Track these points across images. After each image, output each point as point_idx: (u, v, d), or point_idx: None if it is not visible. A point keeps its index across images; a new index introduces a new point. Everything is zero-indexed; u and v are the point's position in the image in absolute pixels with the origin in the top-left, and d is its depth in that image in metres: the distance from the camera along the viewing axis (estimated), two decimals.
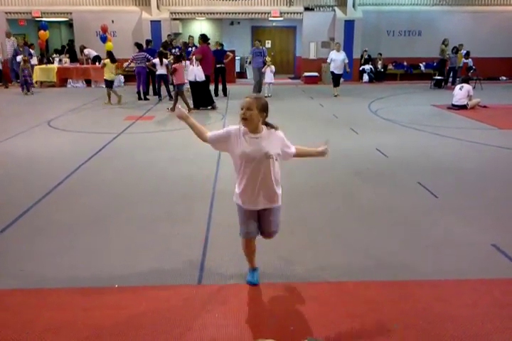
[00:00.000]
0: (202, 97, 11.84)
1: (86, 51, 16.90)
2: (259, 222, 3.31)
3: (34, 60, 16.50)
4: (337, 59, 13.99)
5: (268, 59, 14.04)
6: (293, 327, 2.90)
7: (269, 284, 3.42)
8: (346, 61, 14.19)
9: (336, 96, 14.14)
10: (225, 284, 3.42)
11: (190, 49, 14.75)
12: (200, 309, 3.10)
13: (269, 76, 14.12)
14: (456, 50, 16.30)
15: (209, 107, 11.94)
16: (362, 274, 3.57)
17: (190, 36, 16.02)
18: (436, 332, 2.84)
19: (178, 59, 11.42)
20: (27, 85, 14.49)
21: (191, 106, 11.50)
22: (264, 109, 3.07)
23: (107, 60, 12.64)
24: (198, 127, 3.27)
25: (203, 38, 12.14)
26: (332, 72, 14.31)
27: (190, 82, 11.77)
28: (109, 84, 12.63)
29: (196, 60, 11.65)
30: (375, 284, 3.43)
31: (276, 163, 3.18)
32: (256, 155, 3.06)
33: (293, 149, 3.28)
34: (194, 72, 11.61)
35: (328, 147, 3.33)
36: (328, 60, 14.23)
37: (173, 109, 11.08)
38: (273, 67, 14.21)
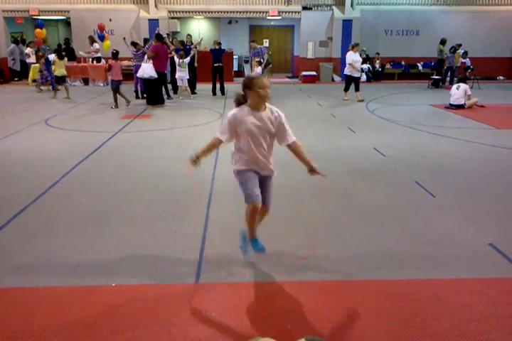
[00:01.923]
0: (154, 94, 12.16)
1: (96, 45, 16.65)
2: (261, 188, 3.47)
3: (32, 59, 16.45)
4: (358, 60, 12.78)
5: (266, 56, 13.61)
6: (290, 325, 2.90)
7: (266, 282, 3.42)
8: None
9: (361, 101, 12.75)
10: (223, 283, 3.42)
11: (188, 47, 14.75)
12: (197, 307, 3.09)
13: None
14: (454, 50, 16.32)
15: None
16: (359, 273, 3.57)
17: (188, 35, 16.00)
18: (433, 331, 2.85)
19: (115, 56, 11.94)
20: (52, 83, 14.79)
21: (131, 99, 11.96)
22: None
23: (55, 57, 13.47)
24: (209, 148, 3.48)
25: (158, 37, 12.41)
26: (351, 76, 12.85)
27: (144, 79, 12.18)
28: (61, 79, 13.38)
29: (148, 57, 12.04)
30: (372, 283, 3.43)
31: (274, 139, 3.45)
32: (262, 131, 3.32)
33: (290, 138, 3.42)
34: (143, 69, 12.00)
35: (318, 171, 3.44)
36: (350, 61, 12.59)
37: (116, 106, 11.68)
38: (259, 68, 13.31)
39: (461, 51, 16.93)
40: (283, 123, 3.39)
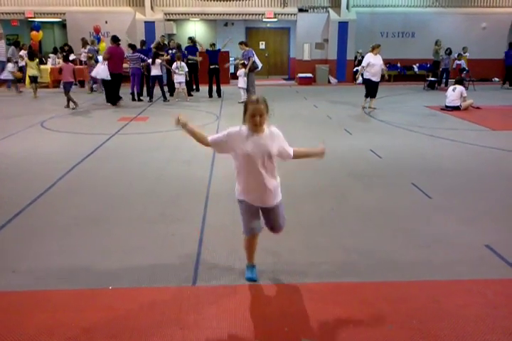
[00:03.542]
0: (111, 94, 12.53)
1: (90, 47, 16.61)
2: (267, 217, 3.39)
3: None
4: (376, 63, 11.35)
5: (251, 59, 12.63)
6: (287, 328, 2.90)
7: (263, 285, 3.42)
8: (383, 66, 11.69)
9: (372, 109, 11.68)
10: (220, 285, 3.42)
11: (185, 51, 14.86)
12: (195, 310, 3.09)
13: (240, 80, 13.21)
14: (449, 52, 16.38)
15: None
16: (356, 275, 3.58)
17: (189, 38, 16.00)
18: (430, 332, 2.85)
19: (66, 58, 12.44)
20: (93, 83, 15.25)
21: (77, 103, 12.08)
22: (268, 109, 3.14)
23: (26, 58, 14.31)
24: (198, 133, 3.31)
25: (113, 39, 12.63)
26: (369, 80, 11.56)
27: (102, 79, 12.68)
28: (33, 79, 13.94)
29: (103, 59, 12.46)
30: (369, 285, 3.44)
31: (275, 163, 3.27)
32: (260, 154, 3.13)
33: (291, 151, 3.32)
34: (98, 70, 12.53)
35: (324, 147, 3.38)
36: (364, 64, 11.43)
37: (67, 106, 11.91)
38: (242, 70, 12.96)
39: (467, 54, 16.98)
40: (282, 144, 3.23)
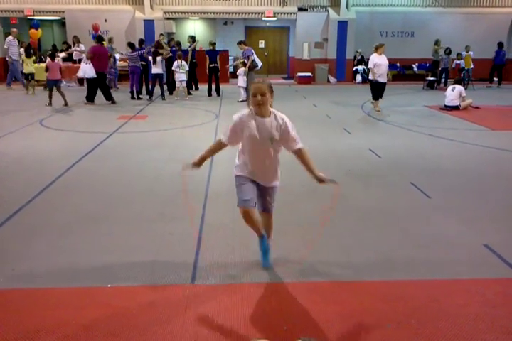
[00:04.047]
0: (93, 93, 12.59)
1: (82, 46, 16.59)
2: (261, 196, 3.43)
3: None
4: (382, 64, 10.98)
5: (251, 58, 12.64)
6: (286, 326, 2.90)
7: (261, 284, 3.42)
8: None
9: (377, 111, 11.33)
10: (218, 284, 3.42)
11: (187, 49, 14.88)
12: (193, 308, 3.09)
13: (239, 79, 13.25)
14: (449, 51, 16.39)
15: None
16: (355, 274, 3.58)
17: (189, 36, 16.00)
18: (429, 332, 2.86)
19: (52, 57, 12.35)
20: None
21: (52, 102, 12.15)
22: (272, 90, 3.18)
23: (23, 55, 14.60)
24: (211, 152, 3.46)
25: (98, 38, 12.75)
26: (376, 81, 11.15)
27: (87, 78, 12.86)
28: (27, 76, 14.46)
29: (87, 58, 12.60)
30: (367, 284, 3.44)
31: (280, 148, 3.32)
32: (264, 137, 3.19)
33: (297, 145, 3.29)
34: (83, 69, 12.74)
35: (327, 181, 3.32)
36: (371, 65, 11.06)
37: (50, 104, 11.99)
38: (241, 69, 13.01)
39: (471, 53, 17.02)
40: (288, 130, 3.23)
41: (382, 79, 11.11)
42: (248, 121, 3.21)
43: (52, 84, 12.01)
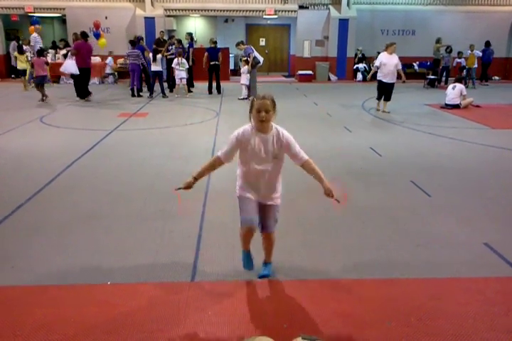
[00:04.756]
0: (80, 88, 12.64)
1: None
2: (261, 213, 3.30)
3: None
4: (388, 63, 10.58)
5: (252, 55, 12.78)
6: (286, 324, 2.90)
7: (262, 282, 3.42)
8: (399, 67, 10.78)
9: (386, 112, 10.92)
10: (218, 281, 3.42)
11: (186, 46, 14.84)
12: (193, 306, 3.09)
13: (242, 77, 13.24)
14: (450, 50, 16.37)
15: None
16: (355, 272, 3.58)
17: (187, 33, 15.98)
18: (429, 330, 2.86)
19: (40, 54, 12.62)
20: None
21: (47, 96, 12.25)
22: (275, 105, 3.11)
23: (15, 53, 15.14)
24: (207, 169, 3.28)
25: (82, 34, 12.77)
26: (380, 81, 10.86)
27: (71, 74, 12.79)
28: (21, 72, 14.90)
29: (71, 54, 12.53)
30: (368, 282, 3.44)
31: (281, 163, 3.22)
32: (265, 153, 3.10)
33: (303, 158, 3.20)
34: (66, 65, 12.58)
35: (334, 196, 3.25)
36: (377, 64, 10.76)
37: (43, 100, 12.09)
38: (245, 67, 13.07)
39: (475, 52, 17.02)
40: (290, 145, 3.14)
41: (387, 80, 10.73)
42: (250, 137, 3.10)
43: (39, 81, 12.12)
